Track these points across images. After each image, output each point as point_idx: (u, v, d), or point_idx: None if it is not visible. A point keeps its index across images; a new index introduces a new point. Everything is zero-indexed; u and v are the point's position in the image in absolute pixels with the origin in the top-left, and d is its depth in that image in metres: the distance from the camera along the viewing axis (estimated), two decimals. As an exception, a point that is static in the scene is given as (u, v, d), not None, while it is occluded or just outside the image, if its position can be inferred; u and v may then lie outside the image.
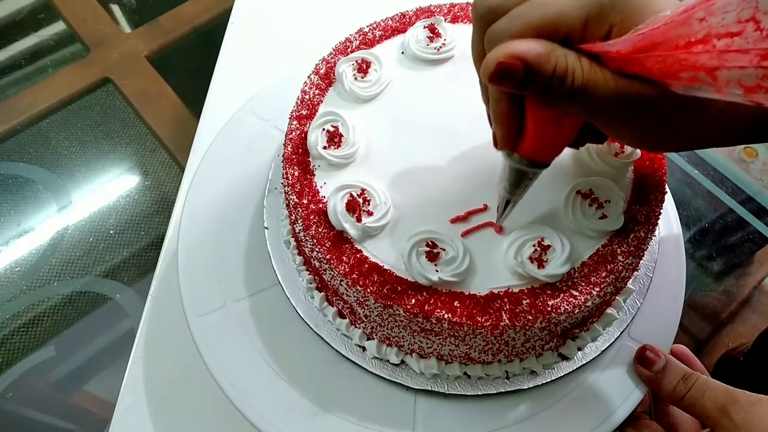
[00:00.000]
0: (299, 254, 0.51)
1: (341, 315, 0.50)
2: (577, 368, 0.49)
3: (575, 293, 0.41)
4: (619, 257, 0.43)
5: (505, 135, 0.36)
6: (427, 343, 0.45)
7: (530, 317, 0.40)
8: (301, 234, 0.46)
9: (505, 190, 0.40)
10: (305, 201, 0.45)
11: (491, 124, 0.37)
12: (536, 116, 0.34)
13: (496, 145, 0.38)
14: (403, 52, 0.54)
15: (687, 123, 0.34)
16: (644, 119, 0.33)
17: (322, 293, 0.50)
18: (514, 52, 0.30)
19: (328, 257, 0.43)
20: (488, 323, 0.40)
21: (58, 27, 0.88)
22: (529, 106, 0.34)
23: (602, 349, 0.49)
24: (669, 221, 0.57)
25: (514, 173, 0.39)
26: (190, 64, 0.87)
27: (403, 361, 0.48)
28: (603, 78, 0.31)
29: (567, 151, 0.48)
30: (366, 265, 0.42)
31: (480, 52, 0.34)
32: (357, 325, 0.49)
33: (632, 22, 0.30)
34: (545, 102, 0.33)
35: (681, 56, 0.28)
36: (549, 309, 0.41)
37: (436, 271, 0.41)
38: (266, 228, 0.54)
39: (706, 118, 0.33)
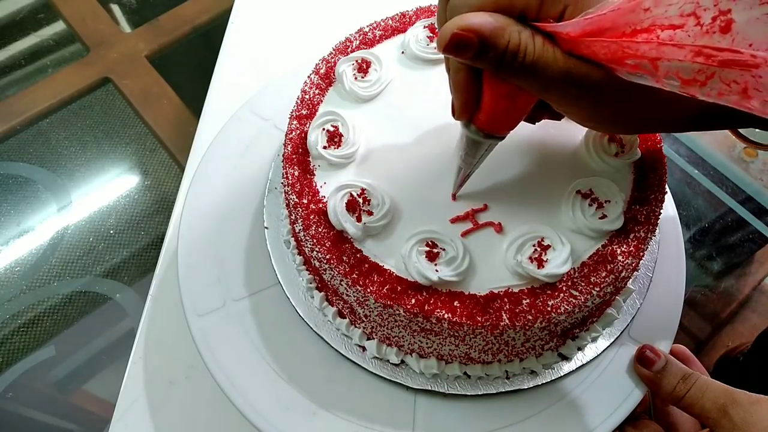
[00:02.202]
0: (299, 254, 0.51)
1: (341, 315, 0.50)
2: (577, 368, 0.49)
3: (575, 293, 0.41)
4: (619, 257, 0.43)
5: (463, 105, 0.38)
6: (427, 343, 0.45)
7: (530, 317, 0.40)
8: (301, 234, 0.46)
9: (461, 159, 0.42)
10: (305, 201, 0.45)
11: (451, 93, 0.38)
12: (493, 89, 0.36)
13: (453, 114, 0.39)
14: (403, 52, 0.54)
15: (632, 107, 0.35)
16: (591, 99, 0.34)
17: (322, 293, 0.50)
18: (469, 25, 0.31)
19: (328, 257, 0.43)
20: (488, 323, 0.40)
21: (58, 27, 0.88)
22: (486, 80, 0.36)
23: (602, 349, 0.49)
24: (669, 221, 0.57)
25: (470, 143, 0.40)
26: (190, 64, 0.87)
27: (403, 361, 0.48)
28: (553, 57, 0.32)
29: (567, 151, 0.48)
30: (366, 265, 0.42)
31: (443, 21, 0.35)
32: (357, 325, 0.49)
33: (585, 4, 0.31)
34: (498, 75, 0.34)
35: (625, 44, 0.29)
36: (549, 309, 0.41)
37: (436, 271, 0.41)
38: (266, 228, 0.54)
39: (651, 103, 0.34)
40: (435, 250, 0.42)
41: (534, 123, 0.44)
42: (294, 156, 0.48)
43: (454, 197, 0.46)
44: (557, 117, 0.43)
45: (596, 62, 0.31)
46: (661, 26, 0.27)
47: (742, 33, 0.25)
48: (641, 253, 0.44)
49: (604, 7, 0.30)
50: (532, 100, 0.37)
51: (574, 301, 0.41)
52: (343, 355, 0.49)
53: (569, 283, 0.42)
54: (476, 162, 0.42)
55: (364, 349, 0.49)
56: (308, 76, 0.52)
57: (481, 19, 0.31)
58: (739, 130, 0.72)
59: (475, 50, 0.31)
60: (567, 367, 0.49)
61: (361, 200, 0.44)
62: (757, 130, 0.70)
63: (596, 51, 0.31)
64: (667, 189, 0.48)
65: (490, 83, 0.36)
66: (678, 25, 0.27)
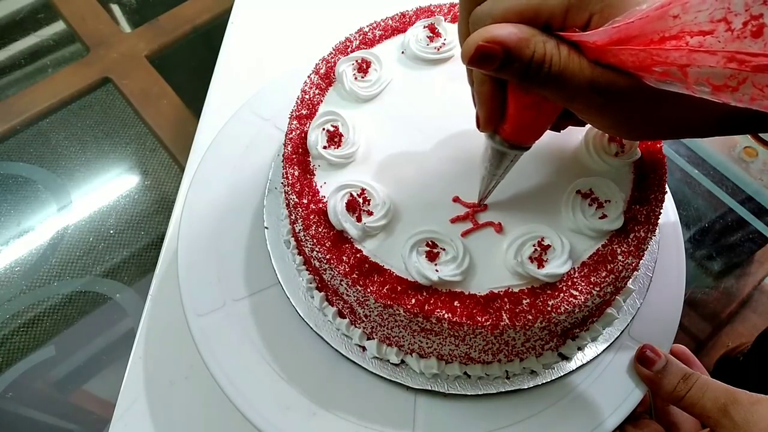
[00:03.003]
0: (299, 254, 0.51)
1: (341, 315, 0.50)
2: (577, 368, 0.49)
3: (575, 293, 0.41)
4: (619, 257, 0.43)
5: (488, 116, 0.37)
6: (427, 343, 0.45)
7: (530, 317, 0.40)
8: (301, 234, 0.46)
9: (487, 171, 0.42)
10: (305, 201, 0.45)
11: (475, 106, 0.38)
12: (517, 100, 0.35)
13: (478, 126, 0.39)
14: (403, 52, 0.54)
15: (660, 114, 0.34)
16: (618, 108, 0.34)
17: (322, 293, 0.50)
18: (494, 36, 0.31)
19: (328, 257, 0.43)
20: (488, 323, 0.40)
21: (58, 27, 0.88)
22: (510, 90, 0.35)
23: (602, 349, 0.49)
24: (669, 221, 0.57)
25: (495, 154, 0.40)
26: (190, 64, 0.87)
27: (403, 361, 0.48)
28: (579, 66, 0.32)
29: (567, 151, 0.48)
30: (366, 265, 0.42)
31: (465, 32, 0.35)
32: (357, 325, 0.49)
33: (611, 13, 0.31)
34: (523, 86, 0.34)
35: (654, 51, 0.29)
36: (549, 309, 0.41)
37: (436, 270, 0.41)
38: (266, 228, 0.54)
39: (678, 110, 0.34)
40: (435, 250, 0.42)
41: (559, 131, 0.44)
42: (294, 156, 0.48)
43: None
44: (582, 124, 0.43)
45: (623, 71, 0.31)
46: (690, 32, 0.27)
47: None
48: (641, 253, 0.44)
49: (632, 15, 0.29)
50: (557, 110, 0.37)
51: (574, 301, 0.41)
52: (343, 355, 0.49)
53: (569, 283, 0.42)
54: (502, 173, 0.42)
55: (364, 349, 0.49)
56: (308, 76, 0.52)
57: (506, 31, 0.31)
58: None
59: (500, 62, 0.31)
60: (567, 367, 0.49)
61: (361, 200, 0.44)
62: None
63: (623, 59, 0.30)
64: (667, 189, 0.48)
65: (515, 94, 0.35)
66: (708, 31, 0.26)
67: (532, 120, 0.37)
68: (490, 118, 0.37)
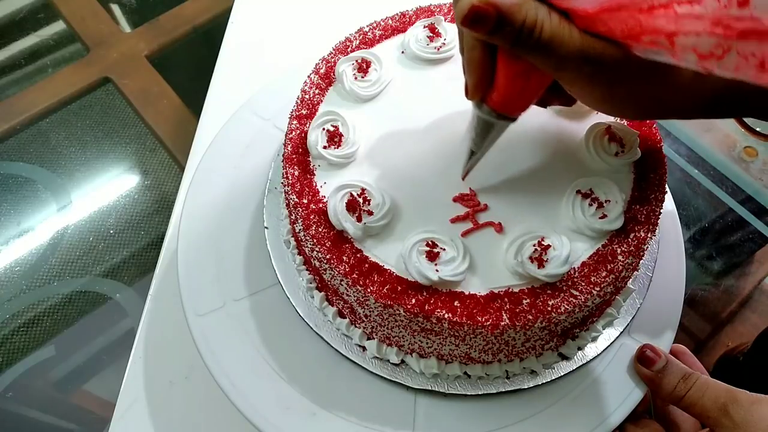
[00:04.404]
0: (299, 254, 0.51)
1: (341, 315, 0.50)
2: (577, 368, 0.49)
3: (575, 293, 0.41)
4: (619, 257, 0.43)
5: (476, 84, 0.37)
6: (427, 343, 0.45)
7: (530, 317, 0.40)
8: (301, 234, 0.46)
9: (472, 141, 0.42)
10: (305, 201, 0.45)
11: (464, 74, 0.38)
12: (507, 68, 0.36)
13: (467, 93, 0.39)
14: (403, 52, 0.54)
15: (646, 88, 0.35)
16: (606, 80, 0.34)
17: (322, 293, 0.50)
18: None
19: (328, 257, 0.43)
20: (488, 323, 0.40)
21: (58, 27, 0.88)
22: (500, 57, 0.36)
23: (602, 349, 0.49)
24: (669, 221, 0.57)
25: (481, 124, 0.40)
26: (190, 64, 0.87)
27: (403, 361, 0.48)
28: (569, 34, 0.32)
29: (567, 151, 0.48)
30: (366, 265, 0.42)
31: None
32: (357, 325, 0.49)
33: None
34: (514, 52, 0.34)
35: (643, 19, 0.29)
36: (549, 309, 0.41)
37: (436, 270, 0.41)
38: (266, 228, 0.54)
39: (665, 88, 0.34)
40: (435, 250, 0.42)
41: (545, 107, 0.44)
42: (294, 156, 0.48)
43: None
44: (569, 102, 0.43)
45: (612, 40, 0.31)
46: (679, 1, 0.27)
47: (761, 7, 0.25)
48: (641, 253, 0.44)
49: None
50: (546, 80, 0.37)
51: (574, 300, 0.41)
52: (343, 355, 0.49)
53: (569, 283, 0.42)
54: (486, 144, 0.42)
55: (364, 348, 0.49)
56: (308, 76, 0.52)
57: None
58: (747, 122, 0.72)
59: (492, 24, 0.31)
60: (567, 366, 0.49)
61: (361, 200, 0.44)
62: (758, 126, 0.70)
63: (612, 27, 0.31)
64: (667, 189, 0.48)
65: (505, 61, 0.36)
66: (695, 0, 0.27)
67: (521, 89, 0.37)
68: (479, 85, 0.37)
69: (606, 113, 0.41)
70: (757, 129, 0.76)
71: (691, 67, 0.28)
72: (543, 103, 0.43)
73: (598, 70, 0.33)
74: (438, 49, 0.52)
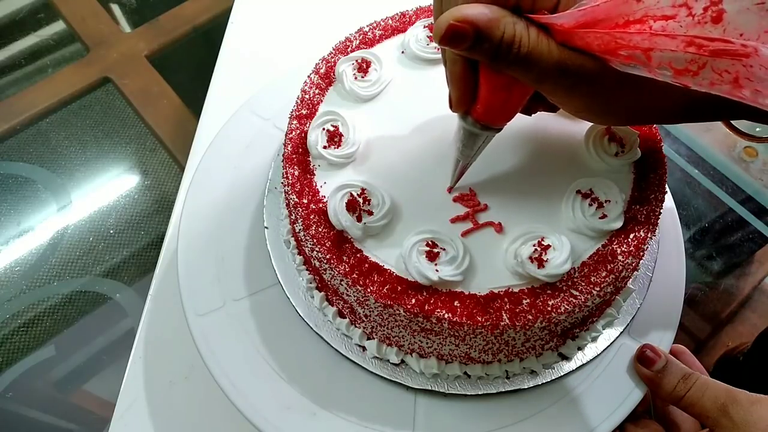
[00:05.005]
0: (299, 254, 0.51)
1: (341, 315, 0.50)
2: (577, 368, 0.49)
3: (575, 293, 0.41)
4: (619, 257, 0.43)
5: (459, 97, 0.38)
6: (427, 343, 0.45)
7: (530, 317, 0.40)
8: (301, 234, 0.46)
9: (458, 151, 0.43)
10: (305, 201, 0.45)
11: (448, 86, 0.39)
12: (489, 81, 0.36)
13: (451, 106, 0.39)
14: (403, 52, 0.54)
15: (625, 98, 0.35)
16: (585, 92, 0.34)
17: (322, 293, 0.50)
18: (465, 16, 0.31)
19: (328, 257, 0.43)
20: (488, 323, 0.40)
21: (58, 27, 0.88)
22: (482, 71, 0.36)
23: (602, 349, 0.49)
24: (669, 221, 0.57)
25: (467, 135, 0.41)
26: (190, 64, 0.87)
27: (403, 361, 0.48)
28: (548, 48, 0.32)
29: (567, 151, 0.48)
30: (366, 265, 0.42)
31: (438, 12, 0.35)
32: (357, 325, 0.49)
33: None
34: (494, 67, 0.34)
35: (618, 35, 0.29)
36: (549, 309, 0.41)
37: (436, 270, 0.41)
38: (266, 228, 0.54)
39: (644, 95, 0.34)
40: (435, 250, 0.42)
41: (530, 114, 0.45)
42: (294, 156, 0.48)
43: (450, 190, 0.46)
44: (553, 109, 0.43)
45: (590, 54, 0.32)
46: (654, 17, 0.28)
47: (734, 23, 0.25)
48: (641, 253, 0.44)
49: None
50: (527, 92, 0.38)
51: (574, 300, 0.41)
52: (343, 355, 0.49)
53: (569, 283, 0.42)
54: (474, 154, 0.42)
55: (364, 348, 0.49)
56: (308, 76, 0.52)
57: (477, 11, 0.31)
58: (738, 127, 0.72)
59: (471, 41, 0.32)
60: (567, 366, 0.49)
61: (361, 200, 0.44)
62: (757, 126, 0.70)
63: (590, 42, 0.31)
64: (667, 189, 0.48)
65: (486, 75, 0.36)
66: (670, 16, 0.27)
67: (504, 101, 0.38)
68: (462, 99, 0.38)
69: (588, 121, 0.41)
70: (757, 130, 0.76)
71: (668, 81, 0.28)
72: (527, 111, 0.44)
73: (576, 82, 0.33)
74: (438, 49, 0.52)
